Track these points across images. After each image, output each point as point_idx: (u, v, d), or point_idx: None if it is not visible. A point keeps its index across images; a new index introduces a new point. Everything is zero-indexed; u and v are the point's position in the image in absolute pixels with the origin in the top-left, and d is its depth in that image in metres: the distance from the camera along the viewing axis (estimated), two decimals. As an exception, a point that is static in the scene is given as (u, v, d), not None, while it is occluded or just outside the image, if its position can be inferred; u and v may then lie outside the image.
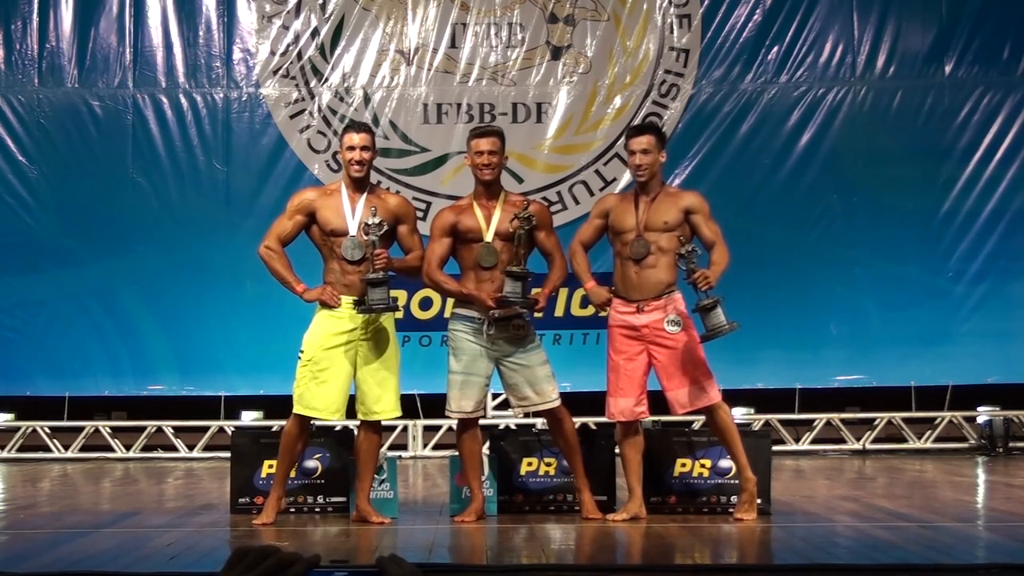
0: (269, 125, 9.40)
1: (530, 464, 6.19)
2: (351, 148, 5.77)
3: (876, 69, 9.44)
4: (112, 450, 9.43)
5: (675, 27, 9.46)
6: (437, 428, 9.43)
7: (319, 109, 9.40)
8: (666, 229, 5.75)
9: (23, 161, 9.36)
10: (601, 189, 9.19)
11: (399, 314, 6.05)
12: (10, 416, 9.53)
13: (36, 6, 9.39)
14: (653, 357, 5.79)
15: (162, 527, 5.64)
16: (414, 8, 9.44)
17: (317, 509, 6.16)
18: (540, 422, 7.81)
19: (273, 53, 9.42)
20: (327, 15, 9.42)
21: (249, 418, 9.41)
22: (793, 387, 9.43)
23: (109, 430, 9.49)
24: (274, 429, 6.57)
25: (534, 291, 5.84)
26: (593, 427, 8.04)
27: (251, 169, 9.39)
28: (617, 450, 5.97)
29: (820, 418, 9.52)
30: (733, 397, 7.24)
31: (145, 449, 9.46)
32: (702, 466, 6.07)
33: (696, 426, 7.65)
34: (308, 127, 9.38)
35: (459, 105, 9.43)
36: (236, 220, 9.13)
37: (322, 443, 6.23)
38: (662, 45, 9.45)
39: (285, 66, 9.41)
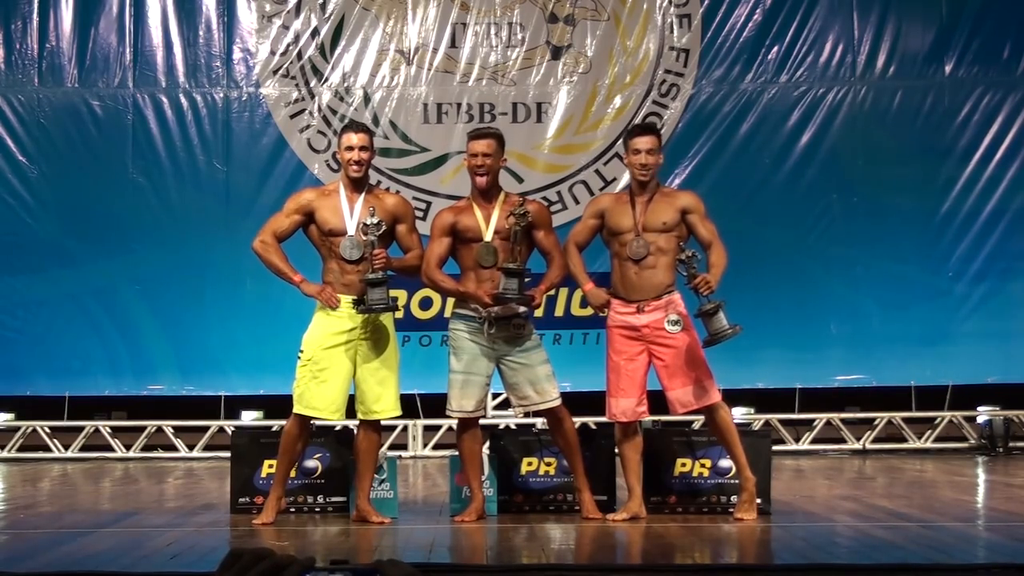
0: (269, 125, 9.41)
1: (530, 464, 6.20)
2: (350, 148, 5.78)
3: (876, 69, 9.44)
4: (112, 450, 9.43)
5: (675, 27, 9.46)
6: (437, 428, 9.43)
7: (319, 109, 9.41)
8: (664, 230, 5.76)
9: (23, 161, 9.36)
10: (601, 189, 9.19)
11: (399, 314, 6.05)
12: (10, 416, 9.53)
13: (36, 6, 9.39)
14: (655, 357, 5.79)
15: (162, 527, 5.64)
16: (414, 8, 9.44)
17: (317, 509, 6.17)
18: (540, 422, 7.81)
19: (273, 53, 9.42)
20: (327, 15, 9.42)
21: (249, 418, 9.41)
22: (793, 387, 9.43)
23: (109, 430, 9.49)
24: (274, 429, 6.57)
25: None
26: (593, 427, 8.04)
27: (251, 169, 9.39)
28: (616, 450, 5.97)
29: (820, 418, 9.52)
30: (733, 397, 7.25)
31: (145, 449, 9.46)
32: (702, 466, 6.07)
33: (696, 426, 7.65)
34: (308, 127, 9.39)
35: (459, 105, 9.43)
36: (236, 220, 9.12)
37: (322, 443, 6.23)
38: (662, 45, 9.46)
39: (285, 66, 9.41)
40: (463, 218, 5.86)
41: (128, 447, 9.45)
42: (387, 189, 7.55)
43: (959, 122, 9.41)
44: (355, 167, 5.77)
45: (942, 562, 4.47)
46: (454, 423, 6.09)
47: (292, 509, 6.12)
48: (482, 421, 6.03)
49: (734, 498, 5.90)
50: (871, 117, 9.44)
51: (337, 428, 6.80)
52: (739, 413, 9.16)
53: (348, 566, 2.60)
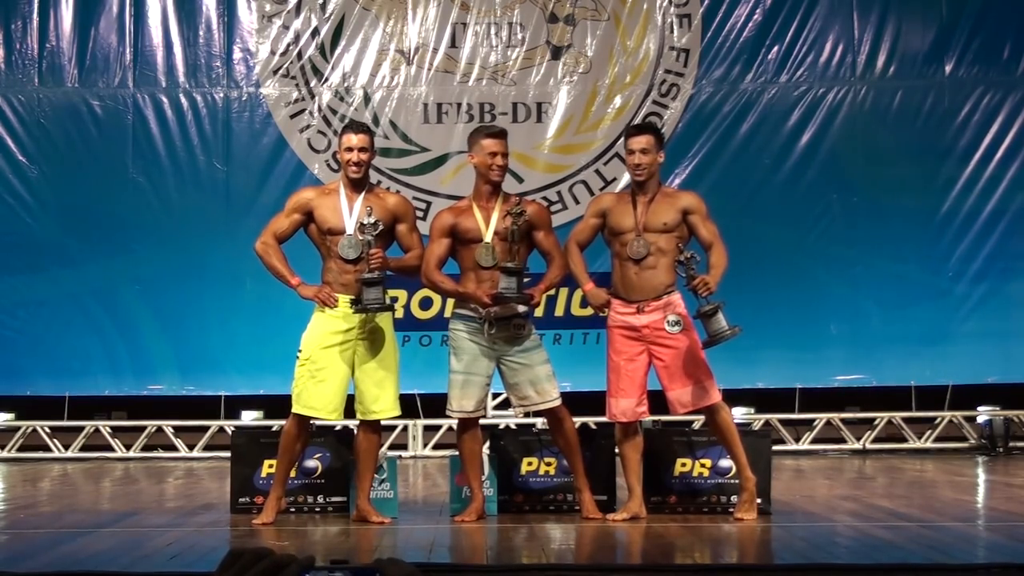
0: (269, 125, 9.41)
1: (530, 464, 6.20)
2: (349, 149, 5.77)
3: (876, 69, 9.44)
4: (112, 450, 9.43)
5: (675, 27, 9.46)
6: (437, 428, 9.43)
7: (319, 109, 9.41)
8: (665, 230, 5.75)
9: (23, 161, 9.36)
10: (601, 189, 9.19)
11: (399, 314, 6.05)
12: (10, 416, 9.53)
13: (36, 6, 9.39)
14: (655, 358, 5.79)
15: (162, 527, 5.64)
16: (414, 8, 9.44)
17: (317, 509, 6.17)
18: (540, 422, 7.81)
19: (273, 53, 9.43)
20: (327, 15, 9.43)
21: (249, 418, 9.42)
22: (793, 387, 9.43)
23: (109, 430, 9.49)
24: (274, 429, 6.58)
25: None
26: (593, 427, 8.04)
27: (251, 169, 9.39)
28: (616, 450, 5.97)
29: (820, 418, 9.52)
30: (733, 397, 7.24)
31: (145, 449, 9.46)
32: (702, 466, 6.07)
33: (696, 426, 7.65)
34: (308, 127, 9.39)
35: (459, 105, 9.43)
36: (236, 220, 9.12)
37: (322, 443, 6.23)
38: (662, 45, 9.46)
39: (285, 66, 9.41)
40: (463, 219, 5.86)
41: (128, 447, 9.45)
42: (387, 189, 7.54)
43: (959, 122, 9.41)
44: (354, 168, 5.77)
45: (942, 562, 4.47)
46: (454, 423, 6.09)
47: (292, 509, 6.11)
48: (482, 421, 6.03)
49: (734, 498, 5.90)
50: (871, 117, 9.44)
51: (337, 428, 6.81)
52: (739, 413, 9.16)
53: (348, 566, 2.60)
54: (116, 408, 9.59)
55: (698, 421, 7.85)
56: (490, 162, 5.83)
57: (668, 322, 5.74)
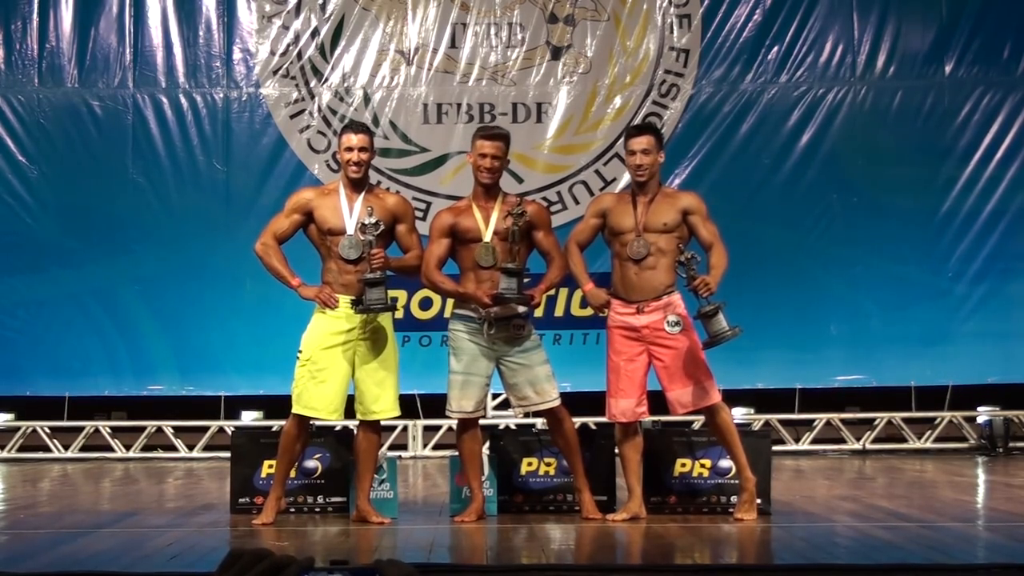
0: (269, 125, 9.41)
1: (530, 464, 6.20)
2: (349, 149, 5.78)
3: (876, 69, 9.45)
4: (112, 450, 9.43)
5: (675, 27, 9.46)
6: (437, 428, 9.43)
7: (319, 109, 9.41)
8: (665, 230, 5.75)
9: (23, 161, 9.36)
10: (601, 189, 9.19)
11: (399, 314, 6.06)
12: (10, 416, 9.53)
13: (36, 6, 9.39)
14: (654, 358, 5.79)
15: (162, 527, 5.64)
16: (414, 8, 9.44)
17: (317, 509, 6.17)
18: (540, 422, 7.81)
19: (273, 53, 9.43)
20: (327, 15, 9.43)
21: (249, 418, 9.42)
22: (793, 387, 9.43)
23: (109, 430, 9.49)
24: (274, 429, 6.57)
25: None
26: (593, 427, 8.03)
27: (251, 169, 9.39)
28: (616, 450, 5.97)
29: (820, 418, 9.53)
30: (733, 397, 7.25)
31: (145, 449, 9.46)
32: (702, 466, 6.07)
33: (696, 426, 7.65)
34: (308, 127, 9.39)
35: (459, 105, 9.43)
36: (236, 220, 9.12)
37: (322, 443, 6.23)
38: (662, 45, 9.46)
39: (285, 66, 9.42)
40: (462, 219, 5.86)
41: (128, 447, 9.45)
42: (387, 189, 7.55)
43: (959, 122, 9.42)
44: (354, 168, 5.77)
45: (942, 562, 4.47)
46: (454, 423, 6.09)
47: (292, 509, 6.12)
48: (482, 421, 6.03)
49: (734, 498, 5.90)
50: (871, 117, 9.44)
51: (337, 428, 6.81)
52: (739, 413, 9.16)
53: (348, 566, 2.60)
54: (116, 408, 9.60)
55: (698, 421, 7.85)
56: (479, 163, 5.84)
57: (668, 322, 5.74)
